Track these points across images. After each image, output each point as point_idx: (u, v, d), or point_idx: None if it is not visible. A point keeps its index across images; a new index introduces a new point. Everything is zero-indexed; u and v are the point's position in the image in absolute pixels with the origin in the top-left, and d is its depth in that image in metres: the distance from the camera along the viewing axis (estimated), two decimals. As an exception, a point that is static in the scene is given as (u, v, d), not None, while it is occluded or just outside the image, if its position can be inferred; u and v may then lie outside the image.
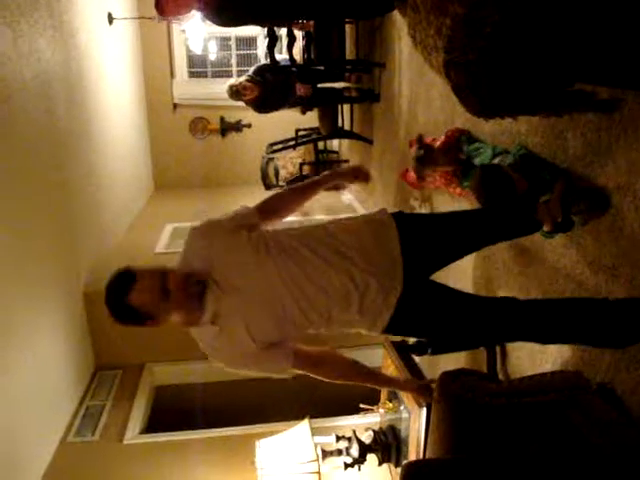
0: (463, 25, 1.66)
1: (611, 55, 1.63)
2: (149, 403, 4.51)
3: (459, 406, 2.00)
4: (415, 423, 2.79)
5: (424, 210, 4.18)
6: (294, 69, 5.21)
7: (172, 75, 7.73)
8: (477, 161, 2.96)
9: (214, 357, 1.85)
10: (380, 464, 3.22)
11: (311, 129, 6.75)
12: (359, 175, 2.13)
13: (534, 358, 2.66)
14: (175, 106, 7.81)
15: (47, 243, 4.02)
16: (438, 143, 3.29)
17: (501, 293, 3.05)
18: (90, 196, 5.12)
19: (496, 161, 2.71)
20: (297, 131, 6.99)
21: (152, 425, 4.40)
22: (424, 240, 1.91)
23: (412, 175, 3.99)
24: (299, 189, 2.09)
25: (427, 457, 2.30)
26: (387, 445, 3.21)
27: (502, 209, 2.08)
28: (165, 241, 5.93)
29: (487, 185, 2.31)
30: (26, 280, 3.63)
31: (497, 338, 2.14)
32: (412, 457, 2.72)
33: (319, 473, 3.63)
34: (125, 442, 3.99)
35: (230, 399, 4.77)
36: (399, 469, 2.87)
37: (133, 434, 4.09)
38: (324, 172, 2.14)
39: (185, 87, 7.81)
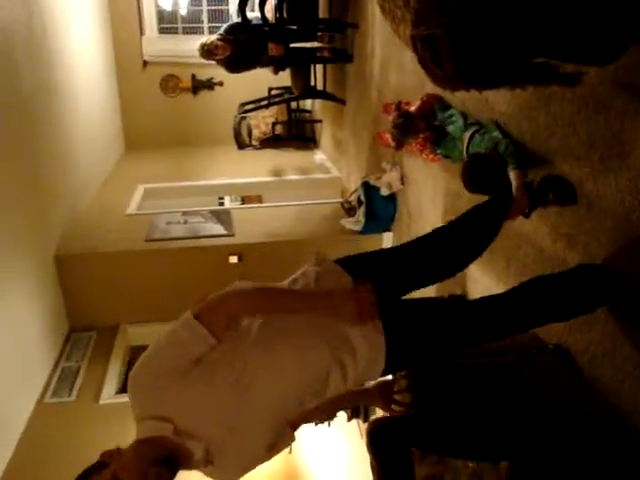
0: (430, -2, 1.68)
1: (573, 32, 1.67)
2: (124, 363, 4.57)
3: (421, 367, 2.09)
4: (382, 382, 2.90)
5: (395, 173, 4.23)
6: (266, 28, 5.13)
7: (141, 31, 7.53)
8: (450, 129, 3.00)
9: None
10: (349, 420, 3.34)
11: (284, 88, 6.68)
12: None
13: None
14: (145, 63, 7.63)
15: (16, 206, 3.98)
16: (413, 108, 3.30)
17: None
18: (59, 157, 5.05)
19: (468, 134, 2.76)
20: (270, 90, 6.91)
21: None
22: (381, 274, 1.72)
23: (388, 137, 4.02)
24: (284, 304, 1.52)
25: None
26: (356, 402, 3.33)
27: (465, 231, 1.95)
28: (137, 202, 5.88)
29: (477, 174, 2.37)
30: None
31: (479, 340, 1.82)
32: (379, 414, 2.83)
33: (291, 429, 3.76)
34: (101, 402, 4.06)
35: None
36: (367, 425, 3.00)
37: (109, 394, 4.16)
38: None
39: (155, 44, 7.62)
